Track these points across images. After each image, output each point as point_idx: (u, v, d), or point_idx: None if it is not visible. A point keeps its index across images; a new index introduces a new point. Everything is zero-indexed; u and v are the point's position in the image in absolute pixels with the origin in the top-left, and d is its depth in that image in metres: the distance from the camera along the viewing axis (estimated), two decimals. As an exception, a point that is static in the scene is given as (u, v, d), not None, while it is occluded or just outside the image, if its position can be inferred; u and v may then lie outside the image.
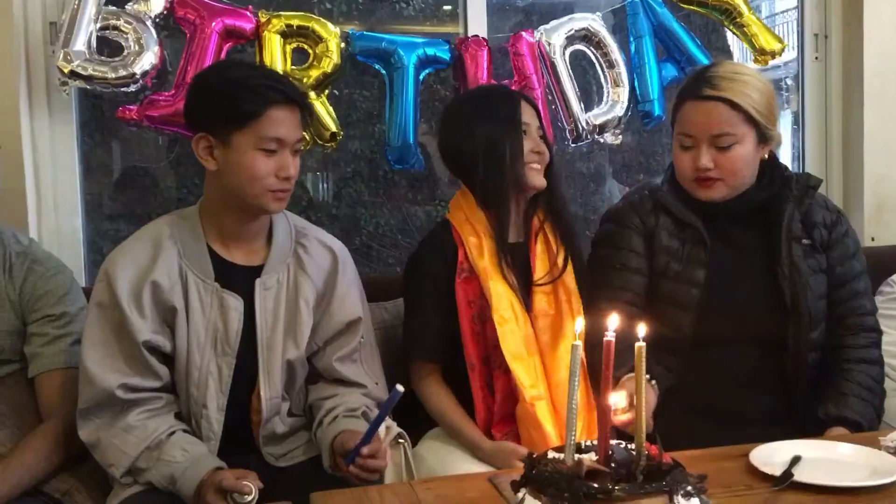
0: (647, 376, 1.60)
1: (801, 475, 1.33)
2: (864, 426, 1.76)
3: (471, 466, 1.73)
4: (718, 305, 1.84)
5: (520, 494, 1.26)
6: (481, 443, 1.82)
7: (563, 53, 2.47)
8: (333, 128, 2.33)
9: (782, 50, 2.60)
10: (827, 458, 1.42)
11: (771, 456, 1.42)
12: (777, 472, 1.35)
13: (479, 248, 1.90)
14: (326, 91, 2.36)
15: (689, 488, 1.22)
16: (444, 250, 1.93)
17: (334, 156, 2.57)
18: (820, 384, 1.87)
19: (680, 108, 1.87)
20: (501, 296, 1.86)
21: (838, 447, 1.49)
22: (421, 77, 2.43)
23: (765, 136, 1.84)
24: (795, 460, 1.39)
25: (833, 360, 1.88)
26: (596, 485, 1.18)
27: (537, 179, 1.93)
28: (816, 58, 2.86)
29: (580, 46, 2.51)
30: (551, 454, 1.29)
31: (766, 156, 1.88)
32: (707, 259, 1.86)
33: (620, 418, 1.46)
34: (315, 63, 2.32)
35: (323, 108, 2.32)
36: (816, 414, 1.81)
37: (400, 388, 1.49)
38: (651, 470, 1.22)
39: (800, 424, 1.80)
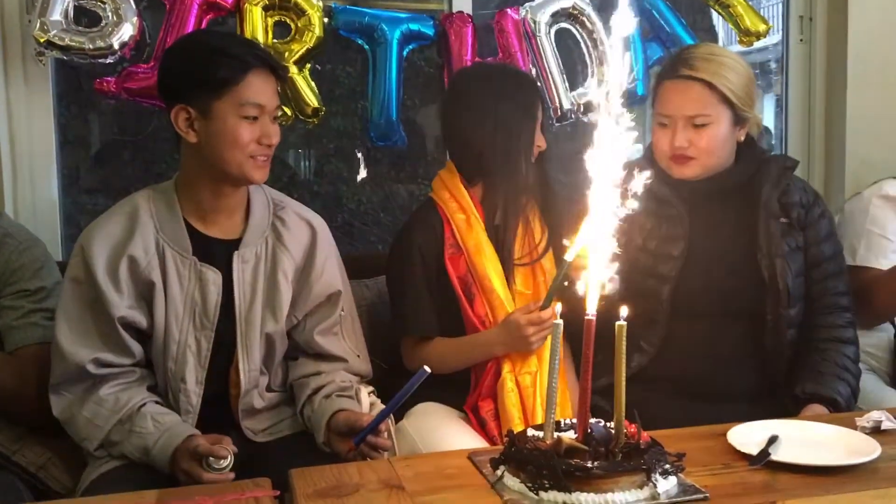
0: None
1: (777, 454, 1.34)
2: (841, 403, 1.79)
3: (452, 443, 1.74)
4: (696, 279, 1.87)
5: (498, 472, 1.27)
6: (489, 335, 1.86)
7: (549, 31, 2.45)
8: (315, 103, 2.30)
9: (767, 31, 2.60)
10: (804, 438, 1.43)
11: (748, 435, 1.42)
12: (754, 451, 1.36)
13: (466, 225, 1.92)
14: (308, 66, 2.33)
15: (667, 467, 1.23)
16: (432, 226, 1.94)
17: (316, 132, 2.55)
18: (797, 362, 1.89)
19: (658, 88, 1.91)
20: (492, 272, 1.88)
21: (815, 427, 1.49)
22: (405, 53, 2.40)
23: (740, 118, 1.87)
24: (773, 440, 1.39)
25: (809, 338, 1.91)
26: (574, 462, 1.18)
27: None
28: (801, 40, 2.85)
29: (565, 24, 2.49)
30: (531, 432, 1.30)
31: (742, 137, 1.91)
32: (684, 234, 1.88)
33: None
34: (297, 37, 2.29)
35: (305, 84, 2.29)
36: (794, 392, 1.83)
37: (427, 368, 1.50)
38: (629, 448, 1.23)
39: (778, 402, 1.82)
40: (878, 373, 2.17)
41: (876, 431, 1.46)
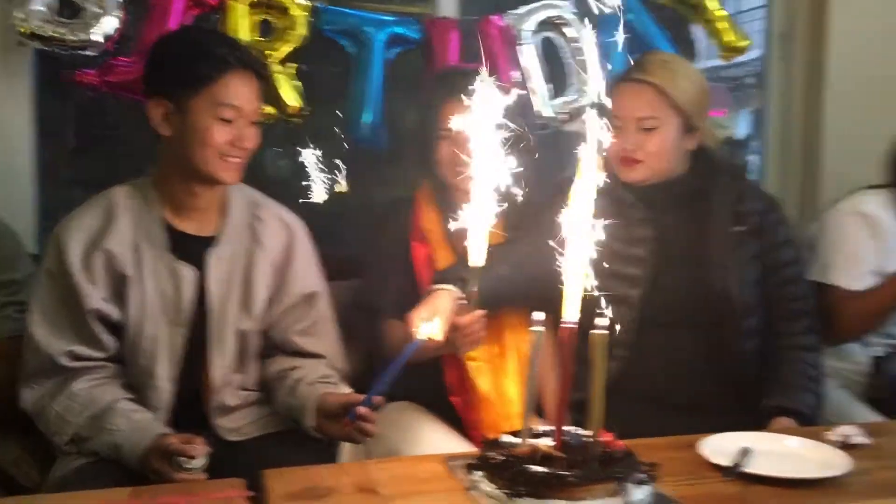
0: (452, 288, 1.66)
1: (750, 466, 1.35)
2: (807, 415, 1.81)
3: (428, 446, 1.74)
4: (658, 288, 1.89)
5: (474, 477, 1.27)
6: None
7: (533, 40, 2.46)
8: (298, 103, 2.30)
9: (747, 48, 2.64)
10: (775, 450, 1.45)
11: (721, 446, 1.44)
12: (726, 462, 1.38)
13: (431, 221, 1.97)
14: (292, 65, 2.32)
15: (641, 476, 1.24)
16: (402, 213, 2.01)
17: (298, 132, 2.53)
18: (763, 372, 1.91)
19: (614, 91, 1.96)
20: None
21: (786, 440, 1.52)
22: (389, 56, 2.40)
23: (691, 127, 1.91)
24: (744, 451, 1.41)
25: (771, 347, 1.93)
26: (550, 470, 1.19)
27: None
28: (781, 58, 2.89)
29: (550, 34, 2.50)
30: (506, 438, 1.30)
31: (693, 147, 1.94)
32: (651, 236, 1.91)
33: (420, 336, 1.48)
34: (281, 36, 2.29)
35: (288, 83, 2.28)
36: (761, 404, 1.85)
37: (419, 338, 1.48)
38: (604, 457, 1.23)
39: (748, 413, 1.83)
40: (851, 389, 2.18)
41: (846, 446, 1.49)
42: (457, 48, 2.41)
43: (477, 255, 1.44)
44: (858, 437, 1.51)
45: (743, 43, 2.61)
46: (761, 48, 2.93)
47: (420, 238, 1.97)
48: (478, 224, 1.41)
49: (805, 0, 2.84)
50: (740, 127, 3.40)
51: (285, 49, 2.28)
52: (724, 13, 2.59)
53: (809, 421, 1.79)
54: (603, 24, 2.51)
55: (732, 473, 1.34)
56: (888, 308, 2.14)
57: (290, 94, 2.29)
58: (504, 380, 1.87)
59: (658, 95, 1.88)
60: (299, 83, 2.31)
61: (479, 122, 1.37)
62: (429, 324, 1.53)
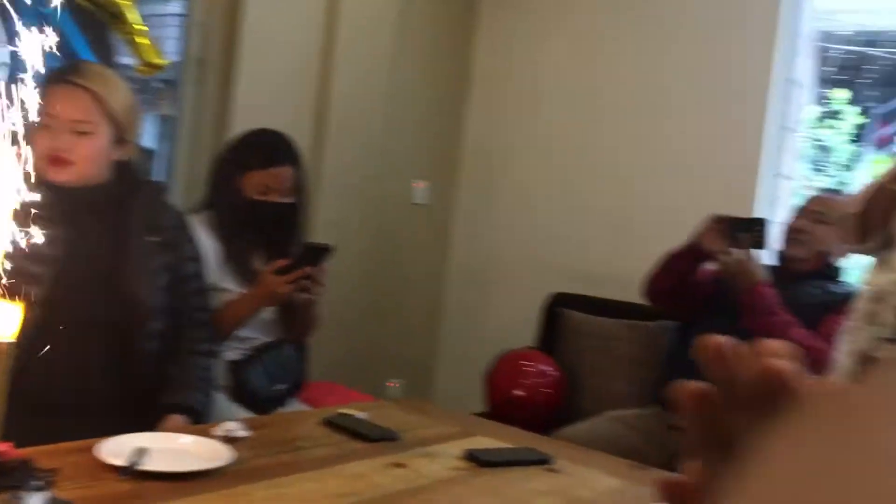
0: None
1: (145, 464, 1.45)
2: (198, 411, 1.99)
3: None
4: (67, 287, 1.89)
5: None
6: None
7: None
8: None
9: (164, 67, 2.77)
10: (170, 448, 1.57)
11: (118, 448, 1.50)
12: (122, 462, 1.44)
13: None
14: None
15: (37, 483, 1.25)
16: None
17: None
18: (161, 374, 2.03)
19: (48, 90, 1.90)
20: None
21: (180, 437, 1.66)
22: None
23: (121, 139, 2.00)
24: (140, 451, 1.50)
25: (173, 351, 2.07)
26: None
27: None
28: (196, 80, 3.09)
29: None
30: None
31: (119, 157, 2.02)
32: (59, 238, 1.86)
33: None
34: None
35: None
36: (158, 402, 1.97)
37: None
38: None
39: (146, 413, 1.92)
40: (225, 392, 2.39)
41: (229, 439, 1.69)
42: None
43: None
44: (240, 431, 1.73)
45: (160, 62, 2.74)
46: (174, 57, 3.07)
47: None
48: None
49: (218, 29, 3.09)
50: (148, 131, 3.46)
51: None
52: (145, 29, 2.68)
53: (200, 418, 1.97)
54: (21, 14, 2.38)
55: (128, 472, 1.42)
56: (231, 324, 2.38)
57: None
58: None
59: (95, 103, 1.92)
60: None
61: None
62: None
